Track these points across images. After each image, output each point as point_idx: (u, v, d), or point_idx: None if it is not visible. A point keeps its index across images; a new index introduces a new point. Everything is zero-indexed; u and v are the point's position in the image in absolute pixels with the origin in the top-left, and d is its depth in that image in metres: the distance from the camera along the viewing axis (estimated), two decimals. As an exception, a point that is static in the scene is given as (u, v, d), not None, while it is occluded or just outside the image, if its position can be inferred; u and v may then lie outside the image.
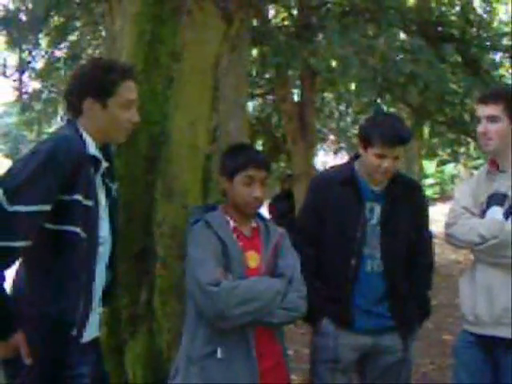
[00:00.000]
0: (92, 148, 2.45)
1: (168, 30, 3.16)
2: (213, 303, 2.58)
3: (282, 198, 10.53)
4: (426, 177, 25.79)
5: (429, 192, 25.89)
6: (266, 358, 2.74)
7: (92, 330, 2.49)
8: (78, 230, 2.31)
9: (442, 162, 17.99)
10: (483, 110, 3.04)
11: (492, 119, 3.00)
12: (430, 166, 25.26)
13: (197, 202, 3.03)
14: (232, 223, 2.80)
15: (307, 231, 3.24)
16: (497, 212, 3.01)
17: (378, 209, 3.17)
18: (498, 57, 11.64)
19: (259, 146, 13.36)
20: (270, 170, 2.89)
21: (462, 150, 13.63)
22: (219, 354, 2.66)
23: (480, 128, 3.05)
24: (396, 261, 3.16)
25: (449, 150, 14.25)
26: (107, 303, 2.68)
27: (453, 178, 26.86)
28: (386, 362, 3.21)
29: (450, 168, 25.27)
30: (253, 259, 2.77)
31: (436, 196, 25.64)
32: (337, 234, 3.16)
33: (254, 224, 2.88)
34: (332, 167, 3.66)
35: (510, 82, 11.98)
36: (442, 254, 12.09)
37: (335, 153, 19.26)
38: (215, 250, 2.68)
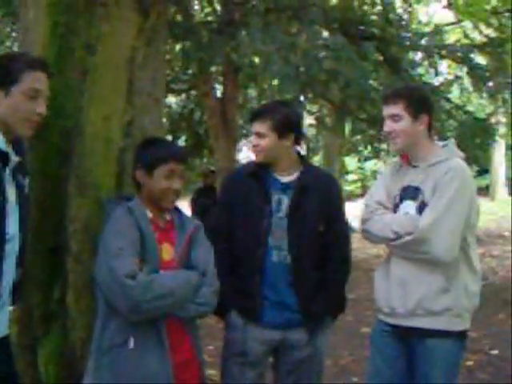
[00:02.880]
0: (0, 142, 2.37)
1: (82, 22, 3.09)
2: (128, 296, 2.54)
3: (205, 193, 10.53)
4: (348, 173, 26.24)
5: (351, 188, 26.36)
6: (178, 350, 2.73)
7: (-1, 329, 2.42)
8: None
9: (364, 159, 18.31)
10: (385, 110, 3.13)
11: (394, 118, 3.08)
12: (351, 163, 25.70)
13: (110, 196, 2.98)
14: (149, 214, 2.78)
15: (220, 226, 3.27)
16: (409, 206, 3.08)
17: (286, 200, 3.20)
18: (417, 56, 11.92)
19: (182, 141, 13.32)
20: (188, 163, 2.90)
21: (383, 146, 13.90)
22: (131, 344, 2.63)
23: (385, 127, 3.15)
24: (303, 252, 3.18)
25: (370, 147, 14.53)
26: (17, 301, 2.61)
27: (374, 174, 27.38)
28: (295, 358, 3.24)
29: (371, 164, 25.74)
30: (167, 252, 2.76)
31: (358, 191, 26.09)
32: (244, 227, 3.20)
33: (168, 217, 2.87)
34: (245, 163, 3.73)
35: (429, 80, 12.30)
36: (363, 248, 12.29)
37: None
38: (134, 239, 2.64)
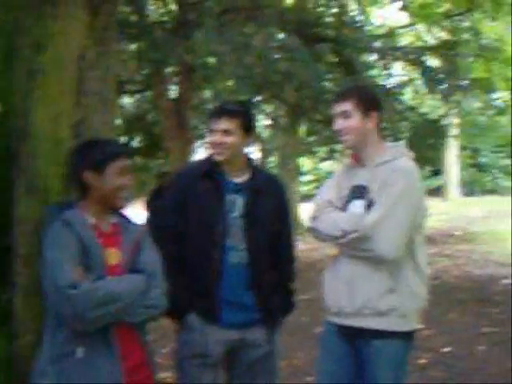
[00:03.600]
0: None
1: (30, 20, 3.03)
2: (71, 306, 2.51)
3: (159, 195, 10.45)
4: (304, 174, 26.36)
5: (306, 188, 26.49)
6: (129, 356, 2.69)
7: None
8: None
9: (320, 159, 18.45)
10: (336, 108, 3.18)
11: (344, 115, 3.12)
12: (307, 163, 25.84)
13: (59, 198, 2.93)
14: (91, 220, 2.73)
15: (168, 227, 3.24)
16: (357, 205, 3.11)
17: (240, 201, 3.21)
18: (372, 58, 12.06)
19: (137, 142, 13.22)
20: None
21: (338, 147, 14.03)
22: (79, 354, 2.59)
23: (335, 125, 3.19)
24: (260, 252, 3.22)
25: (325, 148, 14.65)
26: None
27: (330, 174, 27.60)
28: (251, 356, 3.25)
29: (327, 165, 25.91)
30: (113, 256, 2.71)
31: (313, 192, 26.26)
32: (199, 228, 3.19)
33: (113, 220, 2.82)
34: (194, 161, 3.72)
35: (383, 82, 12.44)
36: (319, 248, 12.34)
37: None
38: (73, 249, 2.59)
